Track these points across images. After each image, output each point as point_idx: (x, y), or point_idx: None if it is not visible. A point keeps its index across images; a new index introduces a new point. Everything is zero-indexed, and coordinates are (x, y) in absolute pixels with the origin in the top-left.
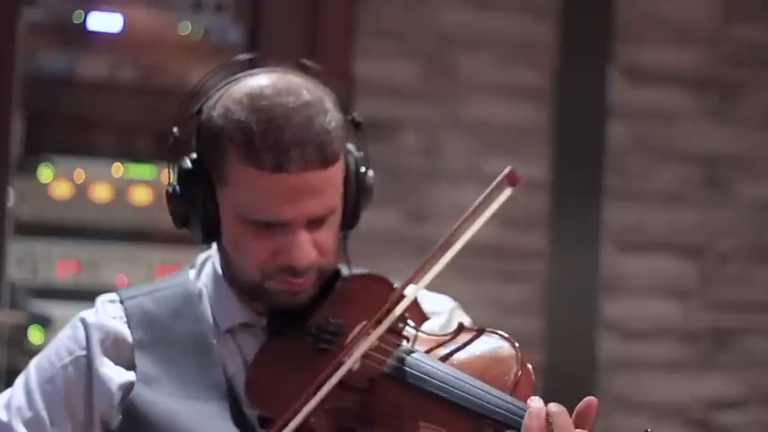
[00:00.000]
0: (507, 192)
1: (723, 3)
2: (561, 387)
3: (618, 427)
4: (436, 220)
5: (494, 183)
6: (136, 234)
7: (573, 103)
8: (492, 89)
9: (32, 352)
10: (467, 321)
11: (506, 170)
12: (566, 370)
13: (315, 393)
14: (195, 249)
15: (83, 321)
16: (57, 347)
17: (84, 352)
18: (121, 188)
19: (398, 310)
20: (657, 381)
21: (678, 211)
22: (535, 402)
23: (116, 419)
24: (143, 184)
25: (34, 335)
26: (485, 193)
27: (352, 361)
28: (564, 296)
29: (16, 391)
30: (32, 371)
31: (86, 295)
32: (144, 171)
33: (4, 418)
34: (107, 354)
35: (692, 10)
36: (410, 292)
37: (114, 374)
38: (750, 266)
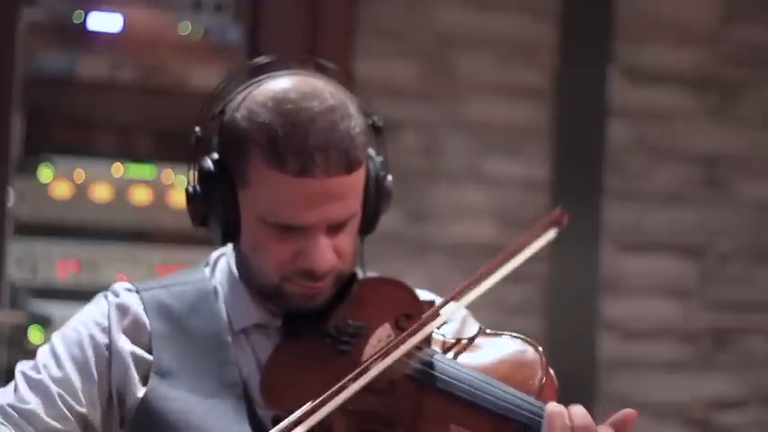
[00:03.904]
0: (552, 233)
1: (723, 3)
2: (561, 387)
3: None
4: (436, 220)
5: (543, 222)
6: (136, 234)
7: (573, 103)
8: (492, 89)
9: (32, 352)
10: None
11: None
12: (566, 370)
13: (336, 395)
14: (195, 249)
15: (105, 297)
16: (82, 318)
17: (107, 323)
18: (121, 188)
19: (430, 328)
20: (657, 381)
21: (678, 211)
22: (553, 404)
23: (132, 397)
24: (143, 184)
25: (34, 335)
26: (533, 232)
27: (379, 369)
28: (564, 296)
29: (42, 356)
30: (58, 339)
31: (86, 295)
32: (144, 171)
33: (36, 375)
34: (125, 332)
35: (692, 10)
36: (445, 310)
37: (130, 350)
38: (750, 266)
